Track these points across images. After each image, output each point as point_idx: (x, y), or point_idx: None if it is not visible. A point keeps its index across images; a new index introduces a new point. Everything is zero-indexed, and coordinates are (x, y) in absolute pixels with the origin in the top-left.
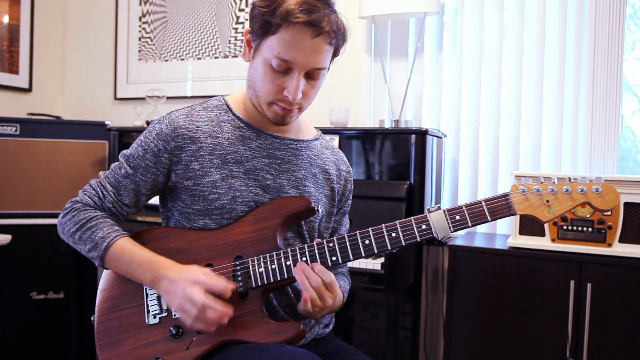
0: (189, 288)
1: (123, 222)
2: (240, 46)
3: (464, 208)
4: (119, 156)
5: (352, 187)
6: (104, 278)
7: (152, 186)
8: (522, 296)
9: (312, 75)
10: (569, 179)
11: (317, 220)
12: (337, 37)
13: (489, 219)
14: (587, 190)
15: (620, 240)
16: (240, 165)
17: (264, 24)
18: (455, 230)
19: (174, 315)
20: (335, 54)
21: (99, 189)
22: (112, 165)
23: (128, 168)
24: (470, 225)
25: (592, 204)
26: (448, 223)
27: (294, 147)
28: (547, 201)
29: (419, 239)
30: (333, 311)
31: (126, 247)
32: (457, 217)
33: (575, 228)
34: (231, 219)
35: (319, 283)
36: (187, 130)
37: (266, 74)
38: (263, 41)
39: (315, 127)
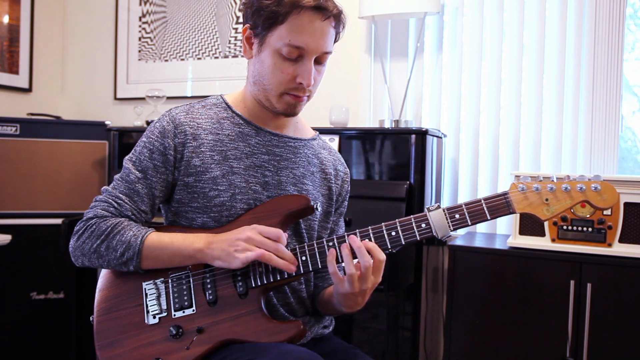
0: (242, 231)
1: None
2: (241, 46)
3: (463, 207)
4: (124, 163)
5: (349, 188)
6: (102, 278)
7: (163, 187)
8: (522, 296)
9: (319, 61)
10: (568, 177)
11: (316, 220)
12: (340, 21)
13: (489, 218)
14: (586, 189)
15: (620, 240)
16: (240, 162)
17: (271, 15)
18: (455, 229)
19: (174, 315)
20: (336, 39)
21: (111, 200)
22: (117, 176)
23: (137, 172)
24: (469, 224)
25: (591, 202)
26: (448, 222)
27: (292, 144)
28: (546, 200)
29: (418, 238)
30: (363, 303)
31: (162, 234)
32: (457, 216)
33: (575, 228)
34: (230, 216)
35: (369, 262)
36: (189, 127)
37: (276, 64)
38: (270, 33)
39: (316, 128)
